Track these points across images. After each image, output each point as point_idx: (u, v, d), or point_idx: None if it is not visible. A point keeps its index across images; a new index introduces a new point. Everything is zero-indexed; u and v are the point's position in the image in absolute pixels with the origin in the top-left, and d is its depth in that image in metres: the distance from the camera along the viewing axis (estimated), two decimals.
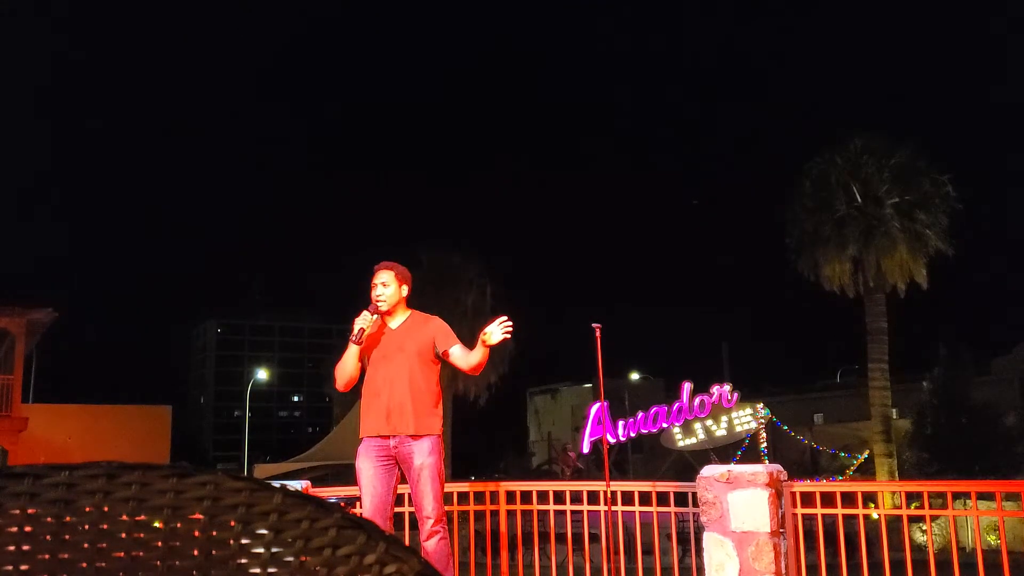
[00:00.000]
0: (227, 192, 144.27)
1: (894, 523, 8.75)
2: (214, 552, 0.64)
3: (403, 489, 4.95)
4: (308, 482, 6.71)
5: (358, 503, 4.85)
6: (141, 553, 0.63)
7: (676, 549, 6.09)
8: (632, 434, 16.16)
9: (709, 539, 5.55)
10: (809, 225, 24.88)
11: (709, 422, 23.35)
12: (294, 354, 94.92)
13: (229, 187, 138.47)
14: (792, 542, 5.52)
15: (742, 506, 5.45)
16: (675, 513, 6.19)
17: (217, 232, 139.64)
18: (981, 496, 5.55)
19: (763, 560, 5.34)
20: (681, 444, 24.94)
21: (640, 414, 16.01)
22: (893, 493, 12.30)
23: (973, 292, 71.12)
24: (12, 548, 0.62)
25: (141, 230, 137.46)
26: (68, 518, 0.63)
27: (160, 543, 0.63)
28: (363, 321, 4.71)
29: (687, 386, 15.72)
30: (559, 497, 6.45)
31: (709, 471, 5.66)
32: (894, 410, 26.16)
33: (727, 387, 16.10)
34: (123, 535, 0.63)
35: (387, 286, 4.82)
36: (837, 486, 7.21)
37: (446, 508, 4.85)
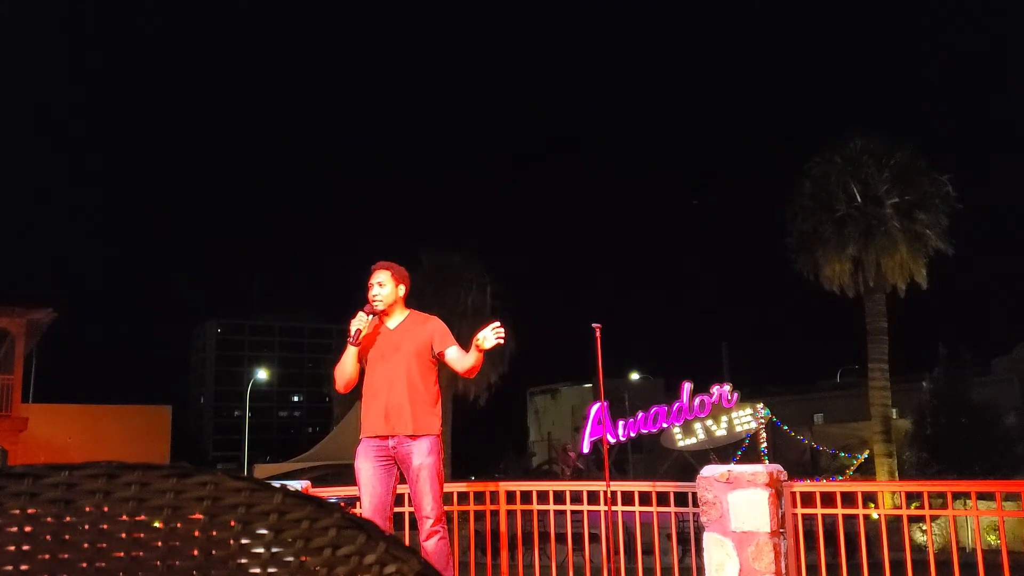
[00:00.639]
0: (227, 192, 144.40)
1: (894, 523, 8.73)
2: (214, 552, 0.64)
3: (403, 489, 4.94)
4: (308, 482, 6.70)
5: (358, 503, 4.84)
6: (141, 553, 0.63)
7: (676, 549, 6.08)
8: (632, 434, 16.15)
9: (709, 539, 5.55)
10: (809, 225, 24.87)
11: (709, 422, 23.40)
12: (294, 354, 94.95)
13: (229, 187, 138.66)
14: (792, 542, 5.52)
15: (742, 506, 5.45)
16: (675, 513, 6.18)
17: (217, 232, 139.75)
18: (981, 496, 5.54)
19: (763, 560, 5.34)
20: (681, 444, 24.98)
21: (640, 414, 15.99)
22: (893, 493, 12.29)
23: (973, 292, 71.21)
24: (12, 548, 0.62)
25: (141, 230, 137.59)
26: (68, 518, 0.63)
27: (160, 543, 0.63)
28: (359, 322, 4.69)
29: (687, 386, 15.69)
30: (559, 497, 6.44)
31: (709, 471, 5.66)
32: (894, 410, 26.16)
33: (727, 387, 16.07)
34: (123, 535, 0.63)
35: (383, 286, 4.80)
36: (837, 486, 7.21)
37: (446, 508, 4.85)
